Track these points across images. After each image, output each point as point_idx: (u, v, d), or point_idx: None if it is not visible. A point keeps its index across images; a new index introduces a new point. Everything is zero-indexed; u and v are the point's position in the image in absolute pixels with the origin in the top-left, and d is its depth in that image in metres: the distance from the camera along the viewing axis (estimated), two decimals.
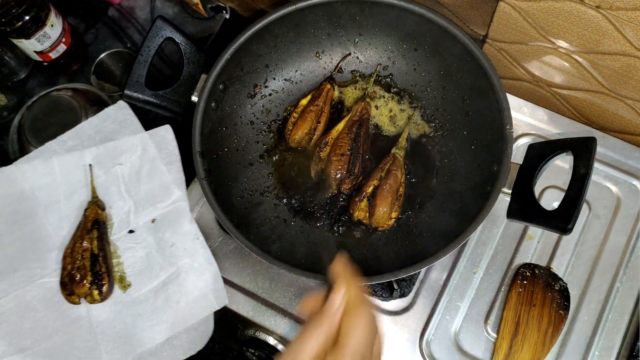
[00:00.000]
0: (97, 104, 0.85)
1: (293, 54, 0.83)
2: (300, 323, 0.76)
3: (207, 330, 0.74)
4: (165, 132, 0.79)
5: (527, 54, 0.78)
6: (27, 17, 0.81)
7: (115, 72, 0.93)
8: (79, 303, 0.73)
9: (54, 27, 0.86)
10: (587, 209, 0.80)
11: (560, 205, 0.61)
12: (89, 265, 0.73)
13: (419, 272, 0.77)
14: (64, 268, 0.73)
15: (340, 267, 0.56)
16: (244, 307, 0.77)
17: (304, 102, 0.81)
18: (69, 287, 0.72)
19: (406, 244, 0.75)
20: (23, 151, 0.83)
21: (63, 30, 0.88)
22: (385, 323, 0.76)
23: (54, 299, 0.73)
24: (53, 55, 0.89)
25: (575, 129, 0.84)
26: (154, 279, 0.75)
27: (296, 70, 0.84)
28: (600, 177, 0.81)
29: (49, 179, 0.77)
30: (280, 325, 0.76)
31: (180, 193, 0.78)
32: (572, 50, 0.73)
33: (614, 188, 0.81)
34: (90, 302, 0.73)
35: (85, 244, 0.74)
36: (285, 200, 0.79)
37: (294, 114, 0.81)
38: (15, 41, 0.84)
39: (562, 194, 0.62)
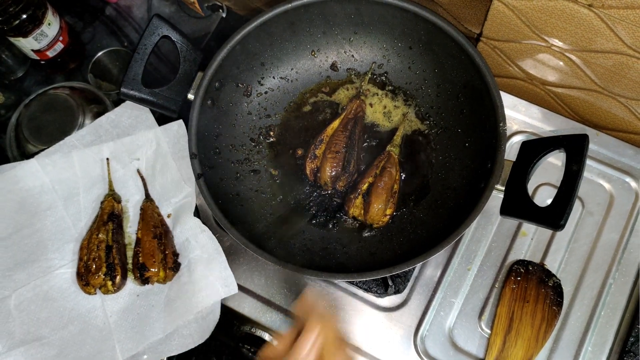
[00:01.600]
0: (94, 102, 0.85)
1: (289, 52, 0.83)
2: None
3: (215, 318, 0.75)
4: (178, 127, 0.80)
5: (521, 52, 0.78)
6: (24, 16, 0.81)
7: (112, 70, 0.93)
8: (95, 293, 0.74)
9: (51, 25, 0.86)
10: (580, 206, 0.80)
11: (552, 202, 0.62)
12: (104, 257, 0.74)
13: (414, 269, 0.78)
14: (80, 259, 0.75)
15: (308, 303, 0.50)
16: (240, 304, 0.78)
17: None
18: (85, 278, 0.73)
19: (401, 241, 0.75)
20: (20, 149, 0.83)
21: (60, 29, 0.89)
22: (380, 319, 0.76)
23: (70, 289, 0.75)
24: (50, 53, 0.89)
25: (569, 127, 0.84)
26: None
27: (292, 69, 0.85)
28: (594, 174, 0.82)
29: (69, 172, 0.79)
30: (276, 321, 0.77)
31: (190, 189, 0.78)
32: (565, 49, 0.74)
33: (607, 185, 0.81)
34: (105, 293, 0.74)
35: (101, 235, 0.75)
36: (281, 197, 0.80)
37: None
38: (13, 39, 0.85)
39: (555, 191, 0.62)
